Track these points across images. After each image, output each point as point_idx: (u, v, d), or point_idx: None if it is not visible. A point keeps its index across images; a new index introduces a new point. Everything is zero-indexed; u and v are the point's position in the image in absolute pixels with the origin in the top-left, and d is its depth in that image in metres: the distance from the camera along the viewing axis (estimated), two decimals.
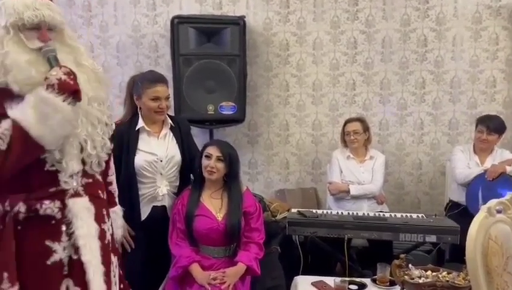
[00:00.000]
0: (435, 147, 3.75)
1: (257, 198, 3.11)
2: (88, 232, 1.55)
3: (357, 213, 2.90)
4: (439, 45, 3.64)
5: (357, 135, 3.26)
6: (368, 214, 2.94)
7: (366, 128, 3.34)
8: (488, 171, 2.97)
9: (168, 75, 3.44)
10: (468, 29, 3.60)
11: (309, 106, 3.81)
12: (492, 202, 1.62)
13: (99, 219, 1.60)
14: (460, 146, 3.36)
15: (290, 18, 3.72)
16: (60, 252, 1.49)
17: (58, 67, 1.49)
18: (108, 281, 1.60)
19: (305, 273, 2.77)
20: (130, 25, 3.83)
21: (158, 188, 2.31)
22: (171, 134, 2.40)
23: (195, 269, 2.17)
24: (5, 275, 1.38)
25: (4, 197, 1.46)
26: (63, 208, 1.51)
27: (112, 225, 1.72)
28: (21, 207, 1.44)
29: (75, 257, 1.51)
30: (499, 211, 1.64)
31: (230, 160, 2.31)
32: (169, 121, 2.41)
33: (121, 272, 1.76)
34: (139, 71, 3.77)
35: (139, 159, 2.26)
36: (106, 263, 1.59)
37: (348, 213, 2.90)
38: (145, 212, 2.31)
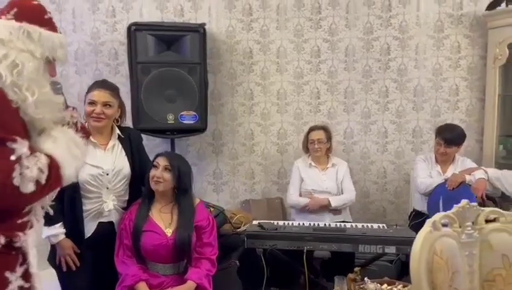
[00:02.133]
0: (400, 156, 3.74)
1: (217, 210, 3.03)
2: (36, 261, 1.52)
3: (317, 224, 2.85)
4: (402, 53, 3.64)
5: (321, 144, 3.23)
6: (328, 225, 2.88)
7: (329, 138, 3.31)
8: (448, 180, 2.96)
9: (128, 83, 3.37)
10: (431, 38, 3.62)
11: (274, 114, 3.76)
12: (438, 216, 1.59)
13: None
14: (423, 155, 3.34)
15: (253, 26, 3.67)
16: (14, 282, 1.42)
17: (71, 108, 1.55)
18: None
19: (268, 286, 2.70)
20: (89, 32, 3.72)
21: (104, 203, 2.19)
22: (120, 145, 2.30)
23: (141, 289, 2.06)
24: None
25: None
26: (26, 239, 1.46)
27: None
28: (1, 239, 1.36)
29: (26, 285, 1.45)
30: (445, 225, 1.61)
31: (180, 172, 2.22)
32: (118, 131, 2.31)
33: None
34: (98, 79, 3.71)
35: (83, 173, 2.13)
36: None
37: (309, 224, 2.85)
38: (90, 229, 2.19)
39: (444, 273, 1.52)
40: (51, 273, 2.27)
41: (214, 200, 3.81)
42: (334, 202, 3.15)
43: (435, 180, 3.08)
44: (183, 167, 2.25)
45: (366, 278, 2.17)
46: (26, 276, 1.44)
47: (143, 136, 3.43)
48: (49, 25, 1.44)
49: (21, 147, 1.28)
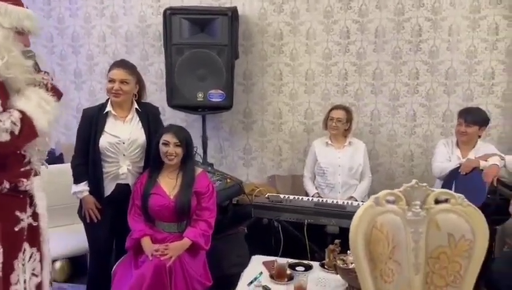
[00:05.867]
0: (428, 139, 3.69)
1: (234, 182, 3.29)
2: (43, 203, 1.88)
3: (320, 200, 2.99)
4: (435, 35, 3.55)
5: (339, 123, 3.33)
6: (336, 202, 3.01)
7: (349, 119, 3.39)
8: (462, 165, 2.92)
9: None
10: (466, 19, 3.48)
11: (302, 94, 3.89)
12: (382, 192, 1.69)
13: None
14: (445, 139, 3.30)
15: (284, 8, 3.80)
16: (25, 220, 1.79)
17: (43, 72, 1.85)
18: None
19: (283, 256, 2.92)
20: (137, 15, 4.11)
21: (120, 167, 2.55)
22: (138, 118, 2.62)
23: (145, 242, 2.40)
24: None
25: None
26: (31, 184, 1.82)
27: None
28: (6, 184, 1.72)
29: (34, 223, 1.82)
30: (391, 202, 1.70)
31: (187, 143, 2.50)
32: (136, 106, 2.63)
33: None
34: (145, 59, 4.12)
35: (103, 141, 2.50)
36: None
37: (311, 199, 3.00)
38: (109, 188, 2.57)
39: (383, 246, 1.64)
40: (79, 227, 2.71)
41: (244, 174, 4.09)
42: (359, 197, 3.26)
43: (451, 164, 3.05)
44: (188, 138, 2.53)
45: (349, 251, 2.31)
46: (35, 216, 1.81)
47: (177, 112, 3.83)
48: (14, 0, 1.74)
49: None
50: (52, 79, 1.88)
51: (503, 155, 2.90)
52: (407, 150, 3.76)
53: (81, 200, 2.58)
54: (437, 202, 1.69)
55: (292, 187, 3.88)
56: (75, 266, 3.30)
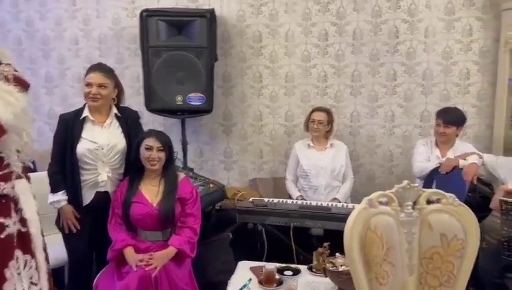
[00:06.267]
0: (407, 140, 3.74)
1: (217, 186, 3.23)
2: (31, 207, 1.77)
3: (305, 203, 2.98)
4: (411, 37, 3.61)
5: (320, 125, 3.33)
6: (320, 204, 3.00)
7: (330, 121, 3.39)
8: (442, 164, 2.97)
9: None
10: (441, 20, 3.55)
11: (282, 97, 3.87)
12: (375, 194, 1.68)
13: None
14: (423, 139, 3.35)
15: (263, 10, 3.78)
16: (11, 226, 1.67)
17: (4, 64, 1.72)
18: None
19: (268, 260, 2.88)
20: (110, 18, 3.99)
21: (99, 174, 2.45)
22: (117, 123, 2.53)
23: (128, 252, 2.30)
24: None
25: None
26: (12, 188, 1.70)
27: None
28: None
29: (23, 229, 1.71)
30: (384, 203, 1.69)
31: (169, 147, 2.44)
32: (115, 110, 2.54)
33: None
34: (120, 62, 4.01)
35: (81, 147, 2.40)
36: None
37: (296, 202, 2.98)
38: (88, 197, 2.46)
39: (377, 247, 1.62)
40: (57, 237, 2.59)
41: (225, 178, 4.03)
42: (343, 198, 3.26)
43: (431, 164, 3.09)
44: (170, 142, 2.46)
45: (337, 254, 2.29)
46: (23, 221, 1.70)
47: (155, 116, 3.74)
48: None
49: None
50: (15, 70, 1.75)
51: (481, 154, 2.96)
52: (387, 150, 3.80)
53: (59, 210, 2.46)
54: (429, 202, 1.69)
55: (274, 190, 3.85)
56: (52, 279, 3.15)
